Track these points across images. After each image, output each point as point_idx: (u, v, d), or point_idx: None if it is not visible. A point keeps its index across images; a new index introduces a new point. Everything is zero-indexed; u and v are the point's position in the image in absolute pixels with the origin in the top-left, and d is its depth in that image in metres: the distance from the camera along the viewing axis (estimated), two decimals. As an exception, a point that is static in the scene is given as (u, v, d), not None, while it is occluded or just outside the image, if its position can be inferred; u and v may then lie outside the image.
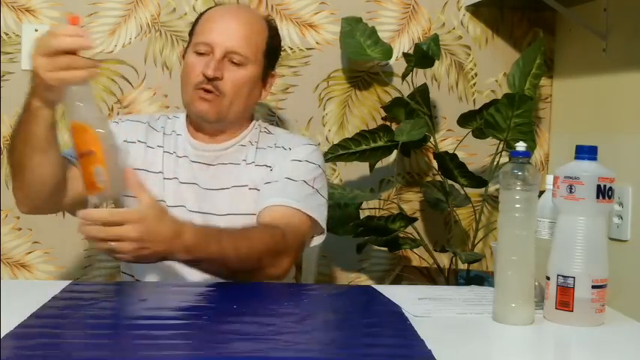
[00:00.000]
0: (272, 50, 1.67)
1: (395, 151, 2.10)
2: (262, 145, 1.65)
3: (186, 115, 1.68)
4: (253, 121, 1.69)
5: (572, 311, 1.19)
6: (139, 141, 1.65)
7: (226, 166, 1.63)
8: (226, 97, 1.58)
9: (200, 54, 1.59)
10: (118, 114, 2.15)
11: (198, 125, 1.65)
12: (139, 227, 1.23)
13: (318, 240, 1.60)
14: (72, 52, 1.27)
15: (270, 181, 1.59)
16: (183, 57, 1.67)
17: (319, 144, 1.72)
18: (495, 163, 2.10)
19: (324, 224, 1.59)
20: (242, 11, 1.72)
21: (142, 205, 1.27)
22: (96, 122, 1.27)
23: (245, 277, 1.39)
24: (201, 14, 1.69)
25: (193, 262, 1.35)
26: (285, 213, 1.51)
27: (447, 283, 2.09)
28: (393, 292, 1.35)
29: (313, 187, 1.59)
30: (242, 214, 1.57)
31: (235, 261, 1.36)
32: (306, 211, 1.53)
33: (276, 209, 1.52)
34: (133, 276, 1.61)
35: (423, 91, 2.11)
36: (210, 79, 1.56)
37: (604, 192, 1.19)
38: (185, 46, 1.70)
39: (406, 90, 2.15)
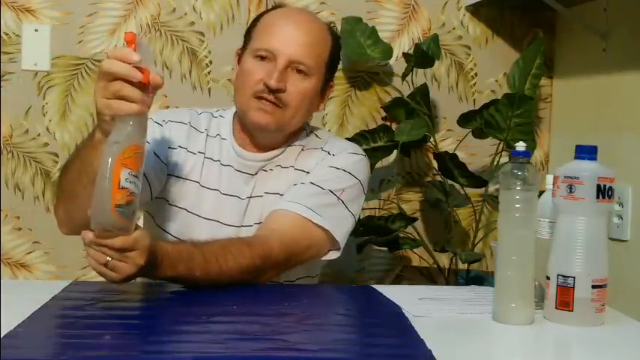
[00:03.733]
0: (334, 60, 1.57)
1: (395, 151, 2.10)
2: (308, 148, 1.57)
3: (233, 118, 1.58)
4: (304, 127, 1.60)
5: (572, 311, 1.19)
6: (179, 147, 1.55)
7: (266, 172, 1.54)
8: (289, 110, 1.48)
9: (261, 59, 1.48)
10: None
11: (249, 133, 1.54)
12: (144, 254, 1.20)
13: (332, 255, 1.50)
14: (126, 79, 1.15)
15: (297, 183, 1.51)
16: (238, 60, 1.56)
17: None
18: (495, 163, 2.10)
19: (340, 238, 1.48)
20: (306, 18, 1.57)
21: (140, 231, 1.21)
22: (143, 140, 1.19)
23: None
24: (260, 16, 1.58)
25: (162, 279, 1.31)
26: (292, 221, 1.44)
27: (447, 283, 2.09)
28: (393, 292, 1.35)
29: (339, 198, 1.49)
30: None
31: (204, 280, 1.31)
32: (319, 222, 1.45)
33: (286, 216, 1.45)
34: None
35: (423, 91, 2.11)
36: (272, 90, 1.46)
37: (604, 192, 1.19)
38: (240, 49, 1.58)
39: (406, 90, 2.15)
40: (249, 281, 1.37)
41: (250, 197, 1.53)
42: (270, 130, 1.50)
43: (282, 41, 1.48)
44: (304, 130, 1.60)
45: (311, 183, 1.50)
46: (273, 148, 1.55)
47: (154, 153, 1.52)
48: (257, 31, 1.53)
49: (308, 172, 1.53)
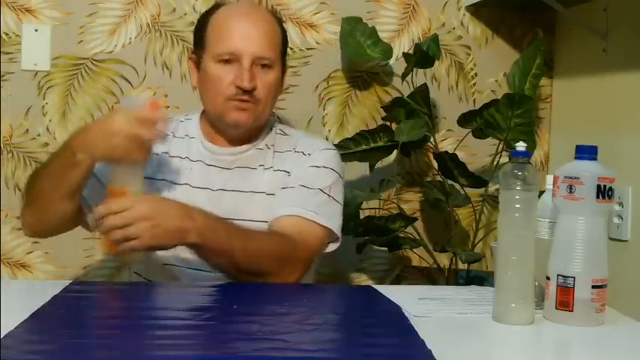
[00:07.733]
0: (285, 45, 1.63)
1: (395, 151, 2.10)
2: (280, 149, 1.63)
3: (200, 118, 1.65)
4: (270, 123, 1.66)
5: (572, 311, 1.19)
6: None
7: (243, 169, 1.60)
8: (261, 104, 1.56)
9: (225, 63, 1.53)
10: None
11: (221, 130, 1.61)
12: (146, 205, 1.29)
13: (332, 247, 1.58)
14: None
15: (286, 186, 1.57)
16: (196, 64, 1.61)
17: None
18: (495, 163, 2.10)
19: (338, 232, 1.57)
20: (255, 11, 1.64)
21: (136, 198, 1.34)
22: (135, 186, 1.36)
23: (250, 280, 1.39)
24: (207, 16, 1.61)
25: (204, 251, 1.35)
26: (298, 224, 1.50)
27: (447, 283, 2.09)
28: (393, 292, 1.35)
29: (329, 195, 1.57)
30: (252, 220, 1.53)
31: (242, 257, 1.36)
32: (319, 221, 1.52)
33: (290, 219, 1.51)
34: (140, 275, 1.61)
35: (423, 91, 2.11)
36: (246, 91, 1.52)
37: (604, 192, 1.19)
38: (192, 51, 1.65)
39: (406, 90, 2.15)
40: (271, 275, 1.41)
41: (224, 190, 1.58)
42: (248, 126, 1.57)
43: (242, 40, 1.53)
44: (269, 127, 1.66)
45: (300, 186, 1.56)
46: (241, 143, 1.61)
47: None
48: (211, 34, 1.58)
49: (288, 173, 1.59)
